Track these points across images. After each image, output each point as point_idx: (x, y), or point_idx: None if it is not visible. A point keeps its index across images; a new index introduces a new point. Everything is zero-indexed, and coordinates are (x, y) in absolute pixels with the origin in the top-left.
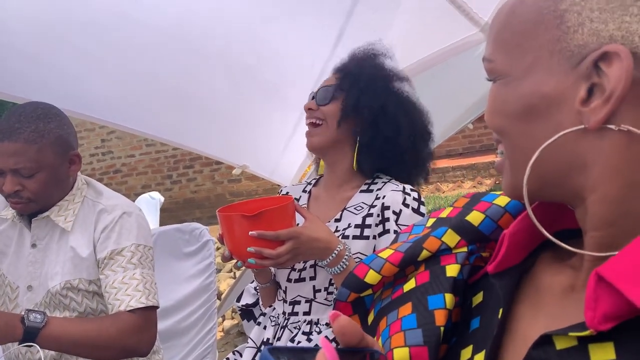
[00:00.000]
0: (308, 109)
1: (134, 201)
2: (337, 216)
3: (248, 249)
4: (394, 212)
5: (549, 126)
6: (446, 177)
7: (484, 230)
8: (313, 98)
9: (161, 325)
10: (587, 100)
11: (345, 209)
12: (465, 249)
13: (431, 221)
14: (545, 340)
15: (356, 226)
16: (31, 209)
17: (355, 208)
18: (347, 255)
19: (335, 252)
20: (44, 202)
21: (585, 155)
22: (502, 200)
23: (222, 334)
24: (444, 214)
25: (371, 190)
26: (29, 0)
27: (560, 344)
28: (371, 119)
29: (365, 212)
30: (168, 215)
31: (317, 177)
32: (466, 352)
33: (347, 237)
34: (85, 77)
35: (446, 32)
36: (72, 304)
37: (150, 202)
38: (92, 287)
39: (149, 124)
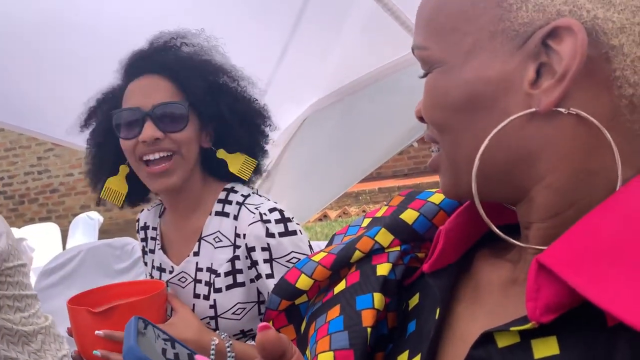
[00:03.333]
0: (155, 139)
1: (70, 222)
2: (195, 249)
3: (94, 351)
4: (262, 249)
5: (496, 114)
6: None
7: (418, 228)
8: (144, 122)
9: None
10: (536, 81)
11: (201, 238)
12: (398, 248)
13: (367, 221)
14: (487, 339)
15: (226, 274)
16: None
17: (213, 238)
18: (228, 345)
19: (212, 351)
20: None
21: (532, 143)
22: (437, 198)
23: None
24: (379, 214)
25: (227, 214)
26: None
27: (502, 342)
28: (226, 120)
29: (230, 254)
30: (108, 237)
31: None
32: (402, 358)
33: (219, 290)
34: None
35: (391, 48)
36: None
37: (89, 223)
38: None
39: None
